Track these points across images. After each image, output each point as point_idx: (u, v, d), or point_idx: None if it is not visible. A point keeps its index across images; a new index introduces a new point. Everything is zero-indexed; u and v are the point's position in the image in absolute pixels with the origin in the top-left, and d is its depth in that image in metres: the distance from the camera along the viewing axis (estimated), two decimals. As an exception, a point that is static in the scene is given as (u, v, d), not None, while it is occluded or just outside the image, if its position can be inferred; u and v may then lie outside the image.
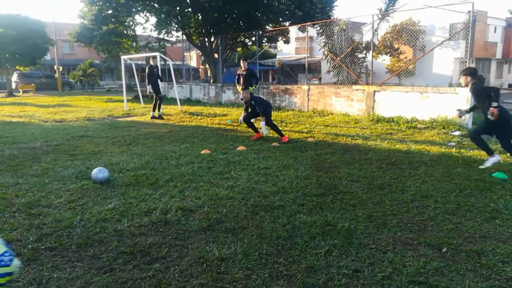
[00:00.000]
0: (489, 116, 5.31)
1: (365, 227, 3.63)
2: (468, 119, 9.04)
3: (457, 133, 8.52)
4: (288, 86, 14.96)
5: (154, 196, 4.59)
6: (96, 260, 3.10)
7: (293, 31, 24.49)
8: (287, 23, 20.97)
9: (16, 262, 1.99)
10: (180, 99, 15.96)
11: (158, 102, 12.27)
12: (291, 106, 14.34)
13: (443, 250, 3.17)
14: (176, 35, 22.32)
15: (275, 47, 37.21)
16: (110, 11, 20.93)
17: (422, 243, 3.30)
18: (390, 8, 17.30)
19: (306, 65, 15.00)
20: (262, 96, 15.74)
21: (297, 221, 3.77)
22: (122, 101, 16.88)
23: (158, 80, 12.53)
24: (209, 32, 21.72)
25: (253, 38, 22.08)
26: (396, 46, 23.67)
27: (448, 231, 3.53)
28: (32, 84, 32.42)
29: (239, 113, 13.16)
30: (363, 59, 18.14)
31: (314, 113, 12.77)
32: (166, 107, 15.38)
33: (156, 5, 19.49)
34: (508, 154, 6.41)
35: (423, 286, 2.67)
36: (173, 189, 4.82)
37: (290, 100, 14.43)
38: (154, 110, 12.34)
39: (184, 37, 21.97)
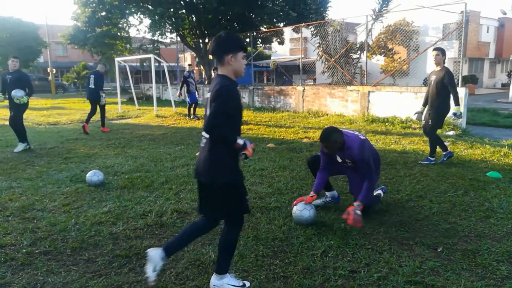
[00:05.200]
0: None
1: (361, 228, 3.63)
2: (463, 119, 9.09)
3: (451, 133, 8.56)
4: (283, 87, 14.97)
5: (149, 198, 4.57)
6: (91, 264, 3.08)
7: (288, 32, 24.51)
8: (281, 24, 20.96)
9: None
10: (174, 101, 15.91)
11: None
12: (286, 107, 14.35)
13: (439, 250, 3.19)
14: (170, 36, 22.30)
15: (270, 48, 37.23)
16: (103, 13, 20.83)
17: (417, 243, 3.31)
18: (384, 8, 17.36)
19: (300, 66, 15.03)
20: (257, 98, 15.76)
21: (293, 222, 3.77)
22: (116, 103, 16.80)
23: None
24: (203, 33, 21.70)
25: (248, 39, 22.10)
26: (390, 46, 23.79)
27: (443, 231, 3.54)
28: (25, 87, 32.14)
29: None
30: (357, 60, 18.21)
31: (309, 114, 12.79)
32: (161, 109, 15.33)
33: (150, 6, 19.43)
34: (502, 153, 6.46)
35: (419, 286, 2.68)
36: (169, 192, 4.80)
37: (285, 101, 14.44)
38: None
39: (178, 39, 21.94)
